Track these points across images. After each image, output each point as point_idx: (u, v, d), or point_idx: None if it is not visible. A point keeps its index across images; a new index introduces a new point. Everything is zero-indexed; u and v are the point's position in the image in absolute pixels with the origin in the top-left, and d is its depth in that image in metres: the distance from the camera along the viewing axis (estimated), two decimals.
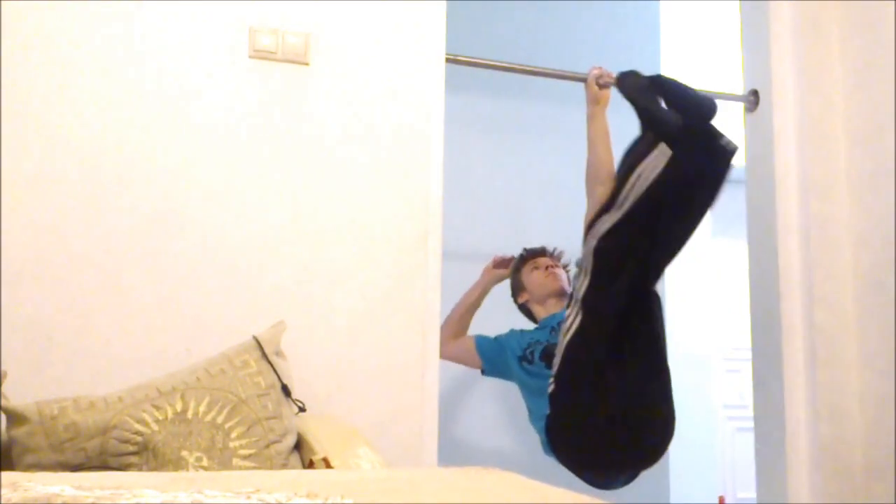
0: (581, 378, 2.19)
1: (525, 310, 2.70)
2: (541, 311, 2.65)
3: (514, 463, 1.70)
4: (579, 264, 2.25)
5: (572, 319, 2.23)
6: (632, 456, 2.26)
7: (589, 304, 2.18)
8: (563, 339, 2.24)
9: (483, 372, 2.59)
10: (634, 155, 2.21)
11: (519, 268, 2.73)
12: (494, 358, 2.54)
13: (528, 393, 2.44)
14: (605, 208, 2.18)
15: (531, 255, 2.71)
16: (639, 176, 2.15)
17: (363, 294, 2.20)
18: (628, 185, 2.16)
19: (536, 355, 2.46)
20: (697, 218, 2.20)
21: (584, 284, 2.19)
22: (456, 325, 2.67)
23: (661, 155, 2.13)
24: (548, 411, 2.28)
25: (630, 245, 2.14)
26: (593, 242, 2.19)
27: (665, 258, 2.21)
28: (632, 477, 2.36)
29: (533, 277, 2.65)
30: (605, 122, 2.51)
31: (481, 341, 2.59)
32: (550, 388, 2.24)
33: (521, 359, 2.48)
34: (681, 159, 2.10)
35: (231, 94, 2.18)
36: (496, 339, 2.62)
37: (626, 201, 2.16)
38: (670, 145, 2.12)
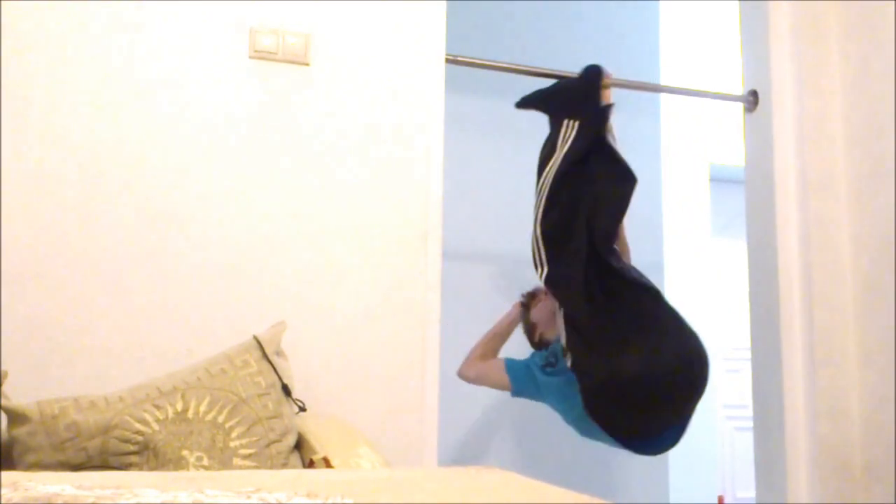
0: (588, 342, 2.20)
1: (544, 344, 2.64)
2: (553, 334, 2.61)
3: (514, 463, 1.70)
4: (535, 262, 2.29)
5: (552, 302, 2.38)
6: (667, 410, 2.20)
7: (553, 279, 2.22)
8: (560, 322, 2.26)
9: (512, 393, 2.53)
10: (547, 147, 2.35)
11: (526, 311, 2.68)
12: (523, 377, 2.46)
13: (559, 397, 2.37)
14: (537, 204, 2.28)
15: (531, 295, 2.67)
16: (553, 161, 2.29)
17: (363, 294, 2.20)
18: (545, 173, 2.29)
19: (558, 355, 2.43)
20: (621, 178, 2.28)
21: (543, 272, 2.25)
22: (484, 346, 2.57)
23: (567, 133, 2.31)
24: (580, 393, 2.24)
25: (565, 220, 2.23)
26: (538, 230, 2.25)
27: (606, 219, 2.27)
28: (681, 430, 2.29)
29: (538, 308, 2.62)
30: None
31: (511, 362, 2.50)
32: (569, 362, 2.23)
33: (545, 366, 2.43)
34: (585, 126, 2.29)
35: (231, 95, 2.18)
36: (523, 360, 2.59)
37: (545, 186, 2.27)
38: (575, 117, 2.32)
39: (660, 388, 2.15)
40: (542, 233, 2.25)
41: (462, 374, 2.55)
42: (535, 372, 2.42)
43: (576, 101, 2.39)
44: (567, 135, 2.32)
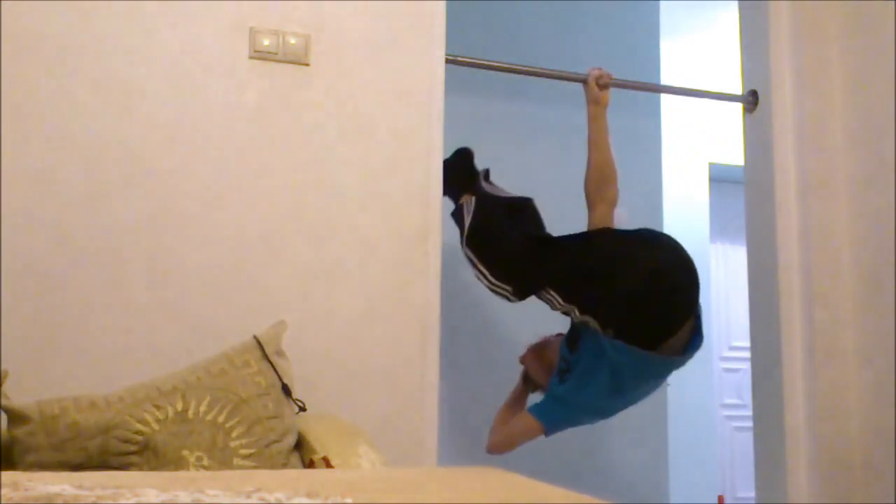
0: (580, 288, 2.27)
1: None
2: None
3: (514, 463, 1.70)
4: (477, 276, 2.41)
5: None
6: (680, 298, 2.23)
7: (476, 244, 2.41)
8: (550, 296, 2.31)
9: (546, 431, 2.38)
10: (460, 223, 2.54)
11: (525, 379, 2.64)
12: (547, 407, 2.34)
13: (587, 388, 2.23)
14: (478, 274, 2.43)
15: (527, 358, 2.60)
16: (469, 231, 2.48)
17: (363, 293, 2.20)
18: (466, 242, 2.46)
19: (565, 356, 2.39)
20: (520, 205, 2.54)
21: (484, 274, 2.38)
22: (502, 416, 2.52)
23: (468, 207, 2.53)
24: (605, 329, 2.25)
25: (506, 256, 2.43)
26: (493, 282, 2.38)
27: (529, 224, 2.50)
28: (699, 323, 2.29)
29: (530, 367, 2.59)
30: (606, 123, 2.52)
31: (531, 407, 2.42)
32: (577, 313, 2.27)
33: (560, 373, 2.39)
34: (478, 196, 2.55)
35: (232, 95, 2.18)
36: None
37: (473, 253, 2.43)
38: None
39: (663, 281, 2.19)
40: (496, 280, 2.38)
41: (492, 447, 2.42)
42: (555, 391, 2.35)
43: (461, 178, 2.58)
44: (469, 208, 2.50)
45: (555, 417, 2.35)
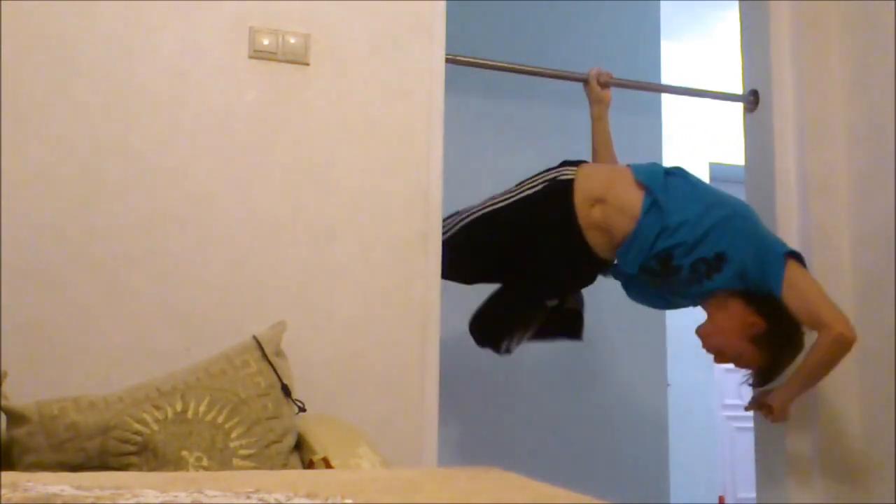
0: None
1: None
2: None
3: (514, 463, 1.70)
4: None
5: None
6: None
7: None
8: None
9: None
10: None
11: None
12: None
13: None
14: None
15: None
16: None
17: (363, 294, 2.20)
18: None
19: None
20: None
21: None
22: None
23: None
24: None
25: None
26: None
27: None
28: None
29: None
30: (608, 122, 2.52)
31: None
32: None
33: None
34: None
35: (231, 95, 2.17)
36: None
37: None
38: None
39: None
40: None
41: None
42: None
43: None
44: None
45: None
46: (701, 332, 2.29)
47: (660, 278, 2.25)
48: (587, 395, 3.38)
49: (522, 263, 2.37)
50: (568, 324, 2.50)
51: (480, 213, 2.40)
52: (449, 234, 2.35)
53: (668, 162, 3.76)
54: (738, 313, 2.20)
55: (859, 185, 2.60)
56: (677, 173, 2.30)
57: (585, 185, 2.30)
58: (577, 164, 2.39)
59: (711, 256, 2.15)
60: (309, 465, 1.64)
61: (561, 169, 2.38)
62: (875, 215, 2.54)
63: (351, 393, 2.15)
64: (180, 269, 2.07)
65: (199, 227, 2.10)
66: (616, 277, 2.40)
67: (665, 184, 2.23)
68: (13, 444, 1.53)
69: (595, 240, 2.28)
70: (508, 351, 2.45)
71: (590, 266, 2.33)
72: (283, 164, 2.19)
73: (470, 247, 2.38)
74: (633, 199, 2.22)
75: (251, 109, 2.18)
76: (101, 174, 2.05)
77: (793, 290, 2.13)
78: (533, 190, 2.35)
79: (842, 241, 2.61)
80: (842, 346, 2.13)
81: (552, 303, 2.41)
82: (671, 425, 3.58)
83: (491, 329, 2.45)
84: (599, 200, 2.27)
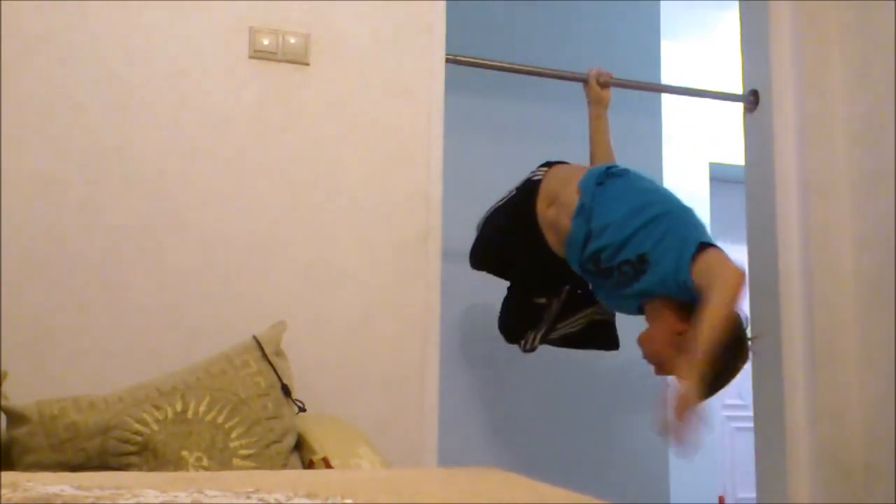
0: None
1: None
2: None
3: (514, 463, 1.70)
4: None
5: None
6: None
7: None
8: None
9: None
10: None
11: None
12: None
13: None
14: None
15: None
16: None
17: (363, 294, 2.20)
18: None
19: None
20: None
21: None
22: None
23: None
24: None
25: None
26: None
27: None
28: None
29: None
30: (607, 123, 2.52)
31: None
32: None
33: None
34: None
35: (231, 95, 2.18)
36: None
37: None
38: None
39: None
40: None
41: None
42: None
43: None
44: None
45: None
46: (638, 340, 2.20)
47: (599, 279, 2.26)
48: (587, 395, 3.38)
49: (509, 262, 2.43)
50: (601, 335, 2.50)
51: (485, 214, 2.49)
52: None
53: (668, 162, 3.77)
54: (668, 321, 2.09)
55: (859, 184, 2.60)
56: (619, 174, 2.27)
57: (548, 186, 2.32)
58: (553, 164, 2.41)
59: (634, 258, 2.12)
60: (309, 465, 1.64)
61: (536, 170, 2.41)
62: (875, 215, 2.54)
63: (351, 393, 2.15)
64: (180, 269, 2.07)
65: (199, 227, 2.10)
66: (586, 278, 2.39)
67: (597, 186, 2.21)
68: (13, 444, 1.53)
69: (551, 238, 2.30)
70: (530, 349, 2.47)
71: (558, 265, 2.33)
72: (283, 163, 2.19)
73: (482, 247, 2.49)
74: (574, 200, 2.22)
75: (251, 109, 2.18)
76: (101, 174, 2.05)
77: (698, 265, 1.98)
78: (512, 192, 2.42)
79: (842, 241, 2.61)
80: (736, 281, 1.95)
81: (540, 300, 2.43)
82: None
83: (505, 328, 2.49)
84: (554, 201, 2.29)
